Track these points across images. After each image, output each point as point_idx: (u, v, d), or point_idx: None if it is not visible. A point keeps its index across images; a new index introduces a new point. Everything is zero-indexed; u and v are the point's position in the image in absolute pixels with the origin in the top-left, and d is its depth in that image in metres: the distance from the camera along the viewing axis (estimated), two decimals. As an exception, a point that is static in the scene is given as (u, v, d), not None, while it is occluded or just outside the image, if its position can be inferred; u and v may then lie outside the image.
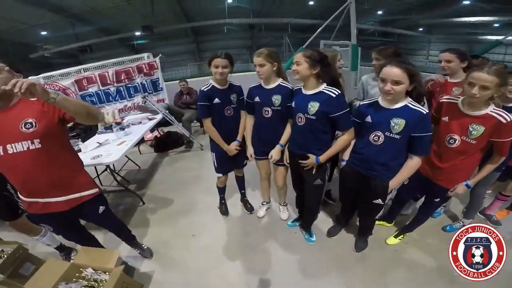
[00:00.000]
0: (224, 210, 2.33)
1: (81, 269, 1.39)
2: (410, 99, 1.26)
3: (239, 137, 1.89)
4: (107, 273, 1.40)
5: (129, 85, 4.22)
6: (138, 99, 4.29)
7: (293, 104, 1.53)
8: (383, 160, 1.37)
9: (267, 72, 1.57)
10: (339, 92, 1.39)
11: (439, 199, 1.57)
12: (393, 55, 1.67)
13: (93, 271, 1.39)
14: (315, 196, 1.72)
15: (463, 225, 1.62)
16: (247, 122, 1.85)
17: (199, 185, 2.82)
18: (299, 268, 1.75)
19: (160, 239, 2.07)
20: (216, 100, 1.70)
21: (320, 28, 5.55)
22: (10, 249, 1.48)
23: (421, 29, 15.52)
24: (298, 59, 1.37)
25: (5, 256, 1.44)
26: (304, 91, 1.47)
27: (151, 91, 4.36)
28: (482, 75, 1.14)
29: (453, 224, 1.99)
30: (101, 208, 1.46)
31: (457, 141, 1.32)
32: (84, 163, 1.44)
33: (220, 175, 2.05)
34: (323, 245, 1.93)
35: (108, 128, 2.83)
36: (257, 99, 1.67)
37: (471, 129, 1.26)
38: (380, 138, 1.33)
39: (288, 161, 1.75)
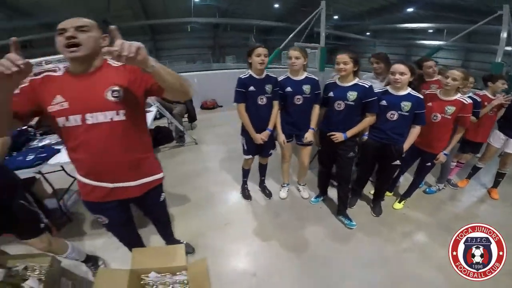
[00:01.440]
0: (247, 194, 2.41)
1: (142, 275, 1.17)
2: (410, 89, 1.76)
3: (270, 126, 1.97)
4: (179, 273, 1.20)
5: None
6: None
7: (331, 94, 1.83)
8: (398, 130, 1.82)
9: (300, 64, 1.83)
10: (370, 84, 1.77)
11: (430, 163, 2.03)
12: (386, 58, 2.25)
13: (157, 275, 1.17)
14: (348, 167, 1.99)
15: (438, 189, 2.50)
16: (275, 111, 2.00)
17: (207, 178, 2.72)
18: (333, 237, 1.97)
19: (194, 233, 1.99)
20: (251, 88, 1.84)
21: (295, 31, 5.85)
22: (45, 264, 1.21)
23: (368, 33, 17.19)
24: (346, 60, 1.69)
25: (44, 273, 1.18)
26: (341, 83, 1.80)
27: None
28: (455, 71, 1.76)
29: (431, 187, 2.56)
30: (163, 196, 1.32)
31: (438, 117, 1.87)
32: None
33: (250, 156, 2.15)
34: (355, 211, 2.23)
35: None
36: (288, 89, 1.90)
37: (446, 109, 1.84)
38: (395, 115, 1.78)
39: (318, 141, 2.05)
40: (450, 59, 14.25)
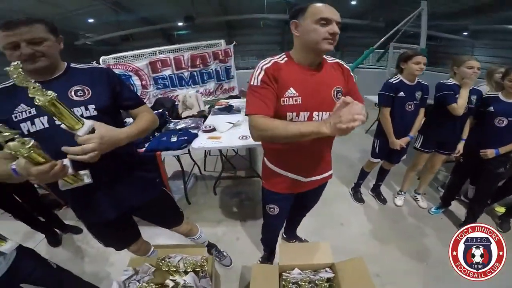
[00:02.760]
0: (359, 197, 2.41)
1: (283, 272, 1.20)
2: None
3: (412, 133, 1.94)
4: (323, 270, 1.20)
5: (203, 71, 4.13)
6: (210, 86, 4.19)
7: (492, 109, 1.73)
8: None
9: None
10: None
11: None
12: None
13: (300, 272, 1.19)
14: (495, 183, 1.93)
15: None
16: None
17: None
18: None
19: (309, 230, 2.04)
20: (401, 94, 1.83)
21: (392, 32, 5.54)
22: (197, 255, 1.31)
23: (465, 33, 14.80)
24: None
25: (204, 266, 1.26)
26: (506, 99, 1.71)
27: (224, 78, 4.25)
28: None
29: None
30: None
31: None
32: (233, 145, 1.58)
33: (378, 160, 2.18)
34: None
35: (223, 110, 2.81)
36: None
37: None
38: None
39: (460, 152, 1.97)
40: None
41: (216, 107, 3.14)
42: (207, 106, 3.39)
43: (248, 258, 1.84)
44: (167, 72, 4.00)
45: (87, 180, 0.86)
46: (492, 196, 2.13)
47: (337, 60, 1.05)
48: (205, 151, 2.98)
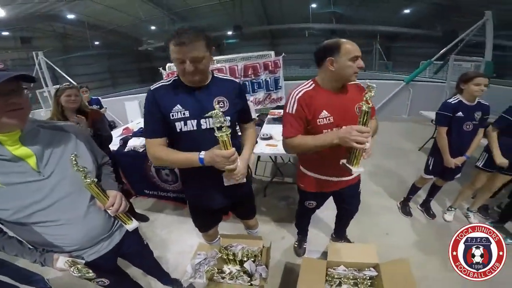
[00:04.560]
0: (407, 211, 2.43)
1: (329, 268, 1.33)
2: None
3: (468, 153, 1.94)
4: (367, 269, 1.32)
5: (254, 81, 4.39)
6: (260, 95, 4.44)
7: None
8: None
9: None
10: None
11: None
12: None
13: (345, 269, 1.32)
14: None
15: None
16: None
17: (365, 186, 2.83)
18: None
19: (355, 237, 2.11)
20: (459, 114, 1.84)
21: (454, 43, 5.16)
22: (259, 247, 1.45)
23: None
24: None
25: (260, 256, 1.41)
26: None
27: (272, 88, 4.47)
28: None
29: None
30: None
31: None
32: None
33: (431, 177, 2.19)
34: None
35: (277, 120, 3.04)
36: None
37: None
38: None
39: None
40: None
41: (270, 116, 3.35)
42: (257, 115, 3.65)
43: (292, 255, 2.01)
44: (222, 81, 4.37)
45: (242, 180, 1.15)
46: None
47: (356, 82, 1.26)
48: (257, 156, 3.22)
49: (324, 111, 1.19)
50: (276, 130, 2.56)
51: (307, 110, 1.18)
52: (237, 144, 1.20)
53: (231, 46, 15.50)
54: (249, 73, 4.33)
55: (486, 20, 4.73)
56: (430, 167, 2.13)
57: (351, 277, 1.30)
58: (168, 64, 4.36)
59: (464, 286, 1.62)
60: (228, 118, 1.08)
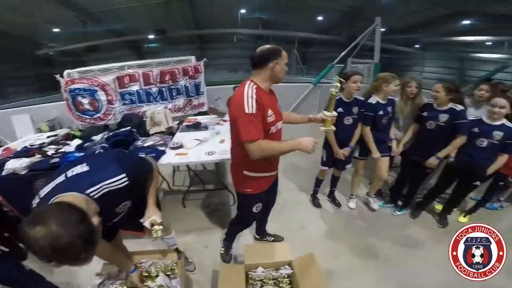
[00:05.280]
0: (317, 203, 2.66)
1: (248, 271, 1.33)
2: (505, 120, 1.89)
3: (352, 143, 2.22)
4: (283, 267, 1.35)
5: (172, 87, 4.16)
6: (179, 102, 4.27)
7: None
8: (486, 155, 1.97)
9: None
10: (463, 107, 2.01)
11: (502, 183, 2.27)
12: (501, 91, 2.30)
13: (264, 270, 1.33)
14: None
15: (501, 206, 2.64)
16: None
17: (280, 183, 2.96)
18: (404, 244, 2.19)
19: (271, 231, 2.22)
20: (340, 110, 2.05)
21: (350, 47, 5.74)
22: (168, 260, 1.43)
23: (417, 46, 16.32)
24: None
25: (174, 269, 1.39)
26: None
27: (193, 94, 4.35)
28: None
29: (493, 204, 2.64)
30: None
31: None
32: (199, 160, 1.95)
33: (326, 168, 2.43)
34: (420, 222, 2.50)
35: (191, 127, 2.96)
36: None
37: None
38: (484, 142, 1.96)
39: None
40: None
41: (184, 124, 3.24)
42: (176, 122, 3.46)
43: (217, 263, 1.96)
44: (135, 88, 3.97)
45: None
46: (431, 195, 2.48)
47: None
48: (173, 167, 3.07)
49: (269, 109, 1.29)
50: (187, 138, 2.48)
51: (262, 108, 1.24)
52: None
53: (153, 50, 14.59)
54: (166, 79, 4.09)
55: (375, 26, 5.32)
56: (324, 159, 2.39)
57: (271, 278, 1.32)
58: (66, 71, 3.78)
59: (372, 272, 1.92)
60: None
